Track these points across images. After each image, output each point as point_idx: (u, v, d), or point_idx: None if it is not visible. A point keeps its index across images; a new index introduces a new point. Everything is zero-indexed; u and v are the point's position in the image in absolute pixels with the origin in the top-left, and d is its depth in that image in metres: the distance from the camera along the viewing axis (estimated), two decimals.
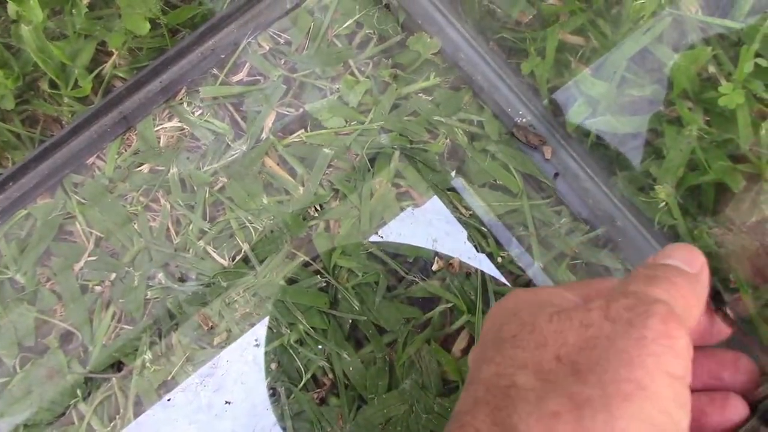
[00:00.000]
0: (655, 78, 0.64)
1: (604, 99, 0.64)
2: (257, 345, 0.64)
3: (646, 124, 0.64)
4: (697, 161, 0.61)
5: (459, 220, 0.65)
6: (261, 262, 0.66)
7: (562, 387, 0.28)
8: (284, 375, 0.63)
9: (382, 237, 0.66)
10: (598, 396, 0.26)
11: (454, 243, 0.65)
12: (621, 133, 0.64)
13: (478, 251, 0.64)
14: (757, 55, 0.60)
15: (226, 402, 0.63)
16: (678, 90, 0.62)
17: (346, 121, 0.69)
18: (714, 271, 0.61)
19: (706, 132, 0.61)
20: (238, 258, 0.66)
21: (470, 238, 0.65)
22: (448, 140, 0.68)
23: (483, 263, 0.64)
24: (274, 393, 0.63)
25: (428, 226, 0.66)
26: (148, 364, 0.64)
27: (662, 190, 0.61)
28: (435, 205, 0.66)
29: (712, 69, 0.63)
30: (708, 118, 0.62)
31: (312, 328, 0.63)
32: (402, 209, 0.66)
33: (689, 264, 0.33)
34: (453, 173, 0.66)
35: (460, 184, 0.66)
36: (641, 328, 0.27)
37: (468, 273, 0.64)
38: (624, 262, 0.63)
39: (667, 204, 0.61)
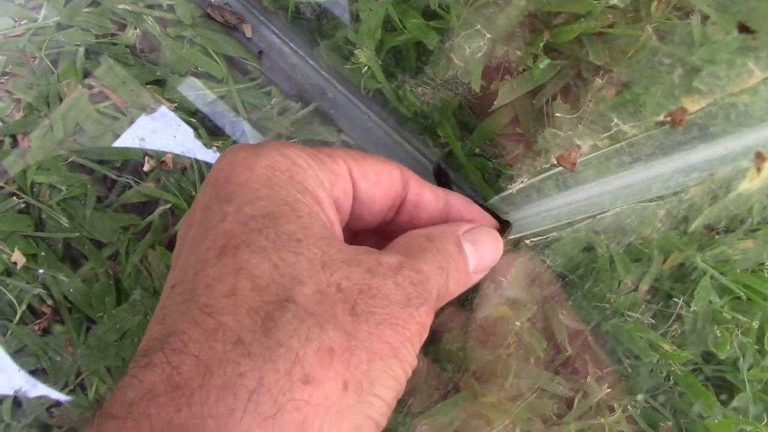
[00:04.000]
0: None
1: None
2: None
3: None
4: (394, 23, 0.61)
5: (165, 114, 0.61)
6: None
7: (340, 323, 0.28)
8: None
9: (81, 144, 0.60)
10: (364, 347, 0.28)
11: (163, 139, 0.61)
12: (320, 2, 0.63)
13: (191, 144, 0.61)
14: None
15: None
16: None
17: (15, 21, 0.60)
18: (423, 129, 0.64)
19: None
20: None
21: (180, 130, 0.61)
22: (138, 30, 0.62)
23: (198, 155, 0.61)
24: None
25: (132, 125, 0.61)
26: None
27: (362, 54, 0.61)
28: (135, 101, 0.61)
29: None
30: None
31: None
32: (99, 111, 0.61)
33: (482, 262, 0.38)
34: (150, 65, 0.61)
35: (161, 76, 0.62)
36: (414, 309, 0.30)
37: (183, 168, 0.61)
38: (339, 134, 0.63)
39: (370, 68, 0.61)
